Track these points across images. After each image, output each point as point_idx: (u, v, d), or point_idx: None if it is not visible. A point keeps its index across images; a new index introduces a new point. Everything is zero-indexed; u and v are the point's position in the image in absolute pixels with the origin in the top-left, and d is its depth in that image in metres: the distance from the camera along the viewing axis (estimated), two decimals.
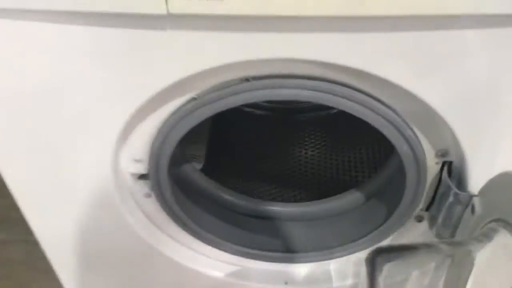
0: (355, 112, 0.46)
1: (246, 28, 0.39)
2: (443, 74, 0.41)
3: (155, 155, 0.51)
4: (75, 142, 0.50)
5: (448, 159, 0.50)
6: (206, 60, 0.41)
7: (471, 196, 0.48)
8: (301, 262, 0.63)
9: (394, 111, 0.46)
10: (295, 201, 0.70)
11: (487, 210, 0.46)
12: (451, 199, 0.50)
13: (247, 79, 0.45)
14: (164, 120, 0.48)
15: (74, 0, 0.37)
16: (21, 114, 0.47)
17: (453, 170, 0.50)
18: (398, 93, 0.43)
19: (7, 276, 0.96)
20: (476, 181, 0.49)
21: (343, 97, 0.45)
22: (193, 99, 0.46)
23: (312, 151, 0.81)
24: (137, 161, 0.53)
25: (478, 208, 0.47)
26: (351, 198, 0.64)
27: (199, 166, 0.68)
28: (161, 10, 0.37)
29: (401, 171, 0.53)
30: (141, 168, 0.53)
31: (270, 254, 0.62)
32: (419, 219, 0.56)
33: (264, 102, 0.85)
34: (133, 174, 0.54)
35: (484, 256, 0.44)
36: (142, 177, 0.55)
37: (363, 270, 0.46)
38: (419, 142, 0.48)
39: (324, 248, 0.62)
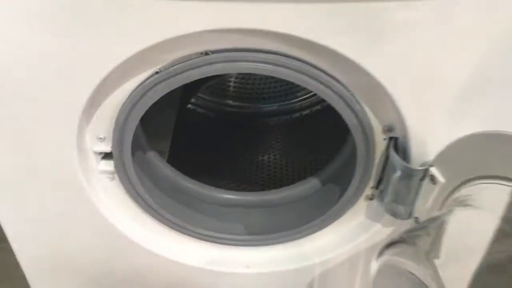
0: (309, 86, 0.50)
1: None
2: (390, 47, 0.45)
3: (119, 131, 0.53)
4: (37, 120, 0.51)
5: (394, 135, 0.54)
6: (168, 29, 0.44)
7: (428, 167, 0.52)
8: (263, 245, 0.65)
9: (345, 87, 0.50)
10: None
11: (452, 175, 0.49)
12: (399, 173, 0.54)
13: (206, 53, 0.48)
14: (127, 96, 0.51)
15: None
16: None
17: (398, 146, 0.54)
18: (348, 67, 0.47)
19: None
20: (420, 155, 0.53)
21: (297, 71, 0.48)
22: (156, 73, 0.49)
23: (275, 154, 0.84)
24: (101, 139, 0.55)
25: (439, 177, 0.50)
26: (309, 184, 0.67)
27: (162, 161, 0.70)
28: None
29: (353, 156, 0.57)
30: (105, 147, 0.55)
31: (234, 237, 0.64)
32: (370, 197, 0.60)
33: (232, 106, 0.89)
34: (97, 154, 0.56)
35: (458, 222, 0.47)
36: (106, 156, 0.57)
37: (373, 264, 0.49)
38: (367, 116, 0.52)
39: (285, 230, 0.64)
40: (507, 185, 0.42)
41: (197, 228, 0.63)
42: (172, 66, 0.48)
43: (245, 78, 0.87)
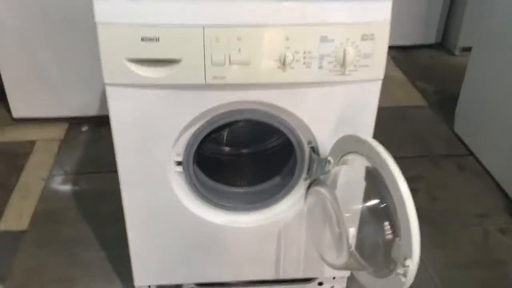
0: (277, 126, 1.14)
1: (234, 88, 1.07)
2: (307, 107, 1.11)
3: (187, 151, 1.15)
4: (151, 143, 1.13)
5: (312, 145, 1.18)
6: (216, 101, 1.08)
7: (326, 158, 1.16)
8: (252, 211, 1.27)
9: (289, 124, 1.15)
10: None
11: (335, 157, 1.13)
12: (316, 162, 1.18)
13: (229, 112, 1.12)
14: (192, 133, 1.13)
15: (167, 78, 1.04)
16: (134, 130, 1.10)
17: (315, 150, 1.19)
18: (290, 115, 1.12)
19: None
20: (324, 151, 1.17)
21: (272, 119, 1.13)
22: (206, 121, 1.12)
23: (253, 171, 1.47)
24: (178, 154, 1.16)
25: (332, 160, 1.14)
26: (274, 180, 1.30)
27: None
28: (202, 81, 1.04)
29: (295, 160, 1.21)
30: (179, 158, 1.16)
31: (237, 207, 1.26)
32: (305, 178, 1.23)
33: (225, 150, 1.51)
34: (175, 162, 1.17)
35: (344, 178, 1.10)
36: (179, 164, 1.18)
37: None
38: (301, 138, 1.17)
39: (262, 202, 1.26)
40: (358, 155, 1.06)
41: (222, 203, 1.24)
42: (213, 119, 1.12)
43: (232, 133, 1.51)
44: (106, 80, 1.04)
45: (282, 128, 1.15)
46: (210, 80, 1.03)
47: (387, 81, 2.53)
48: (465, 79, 2.14)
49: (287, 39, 1.01)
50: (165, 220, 1.24)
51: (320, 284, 1.44)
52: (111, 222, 1.67)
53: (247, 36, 1.00)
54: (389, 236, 0.99)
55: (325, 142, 1.15)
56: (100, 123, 2.19)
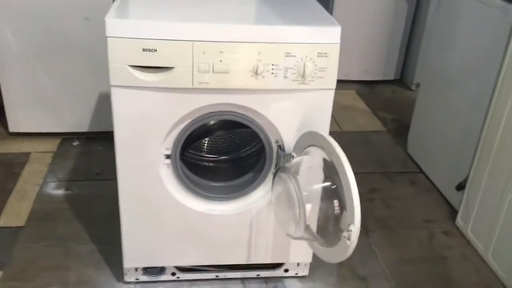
0: (251, 126, 1.39)
1: (216, 92, 1.32)
2: (276, 108, 1.37)
3: (175, 145, 1.38)
4: (149, 138, 1.36)
5: (279, 143, 1.43)
6: (200, 103, 1.33)
7: (291, 153, 1.40)
8: (229, 201, 1.49)
9: (260, 124, 1.40)
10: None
11: (298, 151, 1.37)
12: (282, 157, 1.43)
13: (211, 113, 1.36)
14: (181, 129, 1.37)
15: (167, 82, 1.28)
16: (133, 126, 1.33)
17: (282, 147, 1.43)
18: (261, 117, 1.37)
19: None
20: (289, 148, 1.41)
21: (247, 120, 1.38)
22: (192, 120, 1.36)
23: (230, 171, 1.70)
24: (167, 148, 1.39)
25: (295, 155, 1.39)
26: (247, 175, 1.54)
27: None
28: (190, 86, 1.29)
29: (264, 158, 1.45)
30: (168, 152, 1.39)
31: (217, 197, 1.48)
32: (273, 172, 1.47)
33: (206, 156, 1.74)
34: (164, 155, 1.40)
35: (304, 165, 1.35)
36: (167, 157, 1.41)
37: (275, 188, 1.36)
38: (269, 137, 1.42)
39: (237, 193, 1.49)
40: (316, 147, 1.31)
41: (203, 193, 1.47)
42: (198, 118, 1.36)
43: (213, 141, 1.75)
44: (112, 82, 1.28)
45: (254, 128, 1.40)
46: (196, 85, 1.28)
47: (352, 110, 3.10)
48: (415, 109, 2.45)
49: (259, 53, 1.27)
50: (154, 206, 1.46)
51: (286, 270, 1.65)
52: (101, 221, 1.88)
53: (227, 50, 1.26)
54: (338, 211, 1.24)
55: (290, 140, 1.40)
56: (90, 139, 2.40)
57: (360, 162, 2.37)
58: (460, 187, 1.99)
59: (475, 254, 1.84)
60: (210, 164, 1.75)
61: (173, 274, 1.61)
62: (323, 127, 1.39)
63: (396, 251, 1.85)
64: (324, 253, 1.29)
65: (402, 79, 3.39)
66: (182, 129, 1.37)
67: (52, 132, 2.43)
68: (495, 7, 1.79)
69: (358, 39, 3.15)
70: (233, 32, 1.27)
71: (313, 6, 1.52)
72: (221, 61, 1.27)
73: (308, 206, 1.25)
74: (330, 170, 1.25)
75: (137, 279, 1.60)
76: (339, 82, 1.36)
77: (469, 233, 1.91)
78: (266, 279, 1.66)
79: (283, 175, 1.33)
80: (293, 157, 1.39)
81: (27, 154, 2.30)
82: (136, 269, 1.59)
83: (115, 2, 1.40)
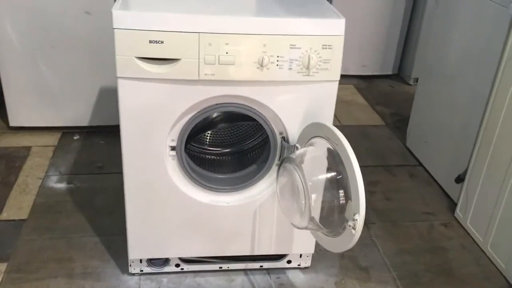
0: (255, 117, 1.40)
1: (222, 84, 1.33)
2: (279, 100, 1.38)
3: (181, 137, 1.39)
4: (155, 129, 1.37)
5: (283, 135, 1.44)
6: (206, 95, 1.34)
7: (295, 145, 1.42)
8: (233, 192, 1.51)
9: (264, 116, 1.41)
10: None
11: (302, 142, 1.39)
12: (286, 149, 1.44)
13: (216, 104, 1.38)
14: (186, 121, 1.38)
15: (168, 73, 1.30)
16: (140, 118, 1.34)
17: (286, 138, 1.45)
18: (265, 108, 1.39)
19: None
20: (293, 140, 1.43)
21: (249, 110, 1.39)
22: (198, 111, 1.37)
23: (233, 164, 1.72)
24: (173, 140, 1.40)
25: (299, 147, 1.40)
26: (251, 167, 1.56)
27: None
28: (196, 77, 1.30)
29: (268, 150, 1.47)
30: (173, 143, 1.41)
31: (221, 188, 1.50)
32: (277, 164, 1.48)
33: (208, 149, 1.76)
34: (170, 147, 1.41)
35: (309, 156, 1.36)
36: (173, 148, 1.42)
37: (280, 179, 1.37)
38: (274, 129, 1.43)
39: (241, 184, 1.50)
40: (321, 138, 1.32)
41: (208, 184, 1.48)
42: (204, 109, 1.37)
43: (215, 134, 1.76)
44: (119, 74, 1.29)
45: (259, 120, 1.41)
46: (202, 77, 1.29)
47: (351, 105, 3.11)
48: (414, 103, 2.48)
49: (264, 45, 1.29)
50: (159, 197, 1.47)
51: (289, 262, 1.67)
52: (104, 214, 1.89)
53: (233, 42, 1.27)
54: (343, 201, 1.25)
55: (294, 131, 1.42)
56: (91, 133, 2.41)
57: (359, 155, 2.35)
58: (459, 179, 2.01)
59: (474, 245, 1.87)
60: (213, 157, 1.76)
61: (177, 265, 1.62)
62: (327, 118, 1.40)
63: (397, 242, 1.88)
64: (329, 242, 1.31)
65: (400, 73, 3.41)
66: (188, 121, 1.38)
67: (53, 126, 2.43)
68: (495, 0, 1.81)
69: (356, 34, 3.16)
70: (239, 24, 1.28)
71: None
72: (227, 53, 1.28)
73: (313, 196, 1.27)
74: (335, 161, 1.27)
75: (142, 270, 1.61)
76: None
77: (468, 225, 1.94)
78: (269, 270, 1.68)
79: (288, 165, 1.35)
80: (297, 148, 1.41)
81: (28, 148, 2.30)
82: (141, 261, 1.60)
83: None
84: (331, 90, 1.38)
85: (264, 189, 1.51)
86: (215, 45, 1.27)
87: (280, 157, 1.48)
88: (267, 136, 1.45)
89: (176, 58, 1.27)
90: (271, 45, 1.29)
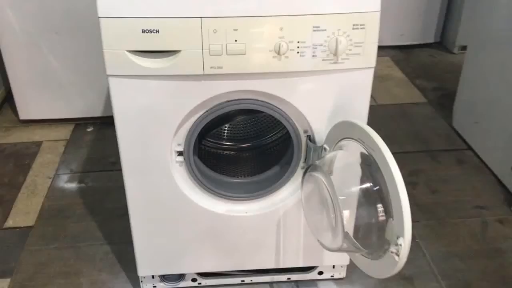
0: (272, 114, 1.18)
1: (232, 77, 1.11)
2: (305, 95, 1.15)
3: (188, 141, 1.19)
4: (157, 134, 1.16)
5: (308, 134, 1.22)
6: (214, 91, 1.12)
7: (322, 146, 1.19)
8: (252, 200, 1.30)
9: (285, 113, 1.19)
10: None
11: (331, 144, 1.16)
12: (312, 150, 1.22)
13: (227, 101, 1.16)
14: (192, 123, 1.17)
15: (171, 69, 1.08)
16: (136, 121, 1.14)
17: (311, 138, 1.22)
18: (286, 104, 1.16)
19: None
20: (320, 139, 1.20)
21: (266, 107, 1.17)
22: (206, 111, 1.16)
23: (253, 163, 1.51)
24: (179, 144, 1.20)
25: (327, 148, 1.18)
26: (272, 170, 1.34)
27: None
28: (200, 72, 1.08)
29: (291, 150, 1.24)
30: (180, 148, 1.20)
31: (239, 196, 1.29)
32: (302, 167, 1.26)
33: (225, 145, 1.55)
34: (176, 152, 1.21)
35: (339, 163, 1.14)
36: (180, 154, 1.22)
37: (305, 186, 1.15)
38: (297, 127, 1.20)
39: (261, 191, 1.29)
40: (353, 140, 1.09)
41: (222, 192, 1.28)
42: (213, 108, 1.16)
43: (233, 128, 1.55)
44: (109, 71, 1.08)
45: (278, 117, 1.19)
46: (208, 70, 1.07)
47: (386, 80, 2.70)
48: (461, 76, 2.18)
49: (281, 29, 1.05)
50: (167, 210, 1.28)
51: (320, 273, 1.47)
52: (116, 217, 1.72)
53: (243, 27, 1.04)
54: (382, 218, 1.02)
55: (321, 130, 1.19)
56: (105, 124, 2.24)
57: (398, 139, 2.14)
58: None
59: None
60: (230, 152, 1.55)
61: (194, 280, 1.44)
62: (361, 114, 1.17)
63: (445, 244, 1.64)
64: (368, 266, 1.09)
65: (442, 41, 3.08)
66: (195, 122, 1.17)
67: (65, 118, 2.27)
68: None
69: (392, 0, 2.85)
70: (249, 4, 1.04)
71: None
72: (236, 40, 1.05)
73: (346, 213, 1.04)
74: (370, 168, 1.03)
75: (155, 286, 1.44)
76: None
77: None
78: (298, 283, 1.48)
79: (314, 175, 1.12)
80: (325, 149, 1.18)
81: (38, 144, 2.15)
82: (153, 276, 1.42)
83: None
84: (365, 80, 1.14)
85: (287, 196, 1.30)
86: (221, 32, 1.04)
87: (305, 159, 1.25)
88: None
89: (175, 50, 1.05)
90: (289, 29, 1.05)
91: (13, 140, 2.18)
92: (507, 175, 1.85)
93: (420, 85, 2.65)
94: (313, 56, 1.08)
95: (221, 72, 1.08)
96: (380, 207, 1.03)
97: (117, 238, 1.63)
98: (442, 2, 2.95)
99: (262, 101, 1.17)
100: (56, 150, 2.11)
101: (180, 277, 1.43)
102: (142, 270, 1.38)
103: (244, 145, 1.57)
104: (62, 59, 2.12)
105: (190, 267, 1.40)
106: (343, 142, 1.12)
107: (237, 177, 1.38)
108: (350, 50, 1.08)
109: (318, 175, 1.11)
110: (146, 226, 1.30)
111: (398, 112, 2.39)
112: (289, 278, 1.46)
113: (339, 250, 1.09)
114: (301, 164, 1.26)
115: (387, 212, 1.01)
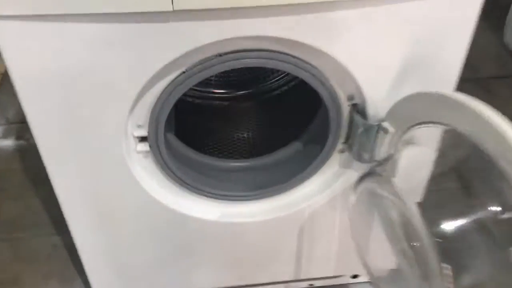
0: (294, 72, 0.69)
1: (218, 17, 0.60)
2: (350, 41, 0.65)
3: (154, 120, 0.70)
4: (99, 113, 0.68)
5: (355, 101, 0.74)
6: (194, 41, 0.62)
7: (380, 124, 0.72)
8: (262, 198, 0.84)
9: (318, 69, 0.69)
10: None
11: (399, 125, 0.69)
12: (361, 129, 0.74)
13: (219, 55, 0.66)
14: (161, 91, 0.68)
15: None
16: (56, 90, 0.65)
17: (359, 109, 0.74)
18: (320, 56, 0.66)
19: None
20: (374, 113, 0.73)
21: (285, 62, 0.67)
22: (183, 72, 0.67)
23: (256, 129, 1.03)
24: (139, 126, 0.72)
25: (390, 128, 0.71)
26: (291, 147, 0.87)
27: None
28: (168, 8, 0.57)
29: (325, 121, 0.77)
30: (143, 132, 0.72)
31: (238, 194, 0.83)
32: (342, 151, 0.80)
33: (215, 93, 1.06)
34: (136, 137, 0.73)
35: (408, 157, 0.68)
36: (142, 139, 0.74)
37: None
38: (335, 90, 0.72)
39: (277, 185, 0.83)
40: (435, 126, 0.63)
41: (212, 191, 0.81)
42: (195, 66, 0.66)
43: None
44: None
45: (305, 77, 0.70)
46: (179, 5, 0.56)
47: None
48: None
49: None
50: (129, 219, 0.82)
51: (355, 276, 1.06)
52: None
53: None
54: None
55: (378, 97, 0.71)
56: None
57: None
58: None
59: None
60: (221, 105, 1.07)
61: None
62: (448, 79, 0.68)
63: None
64: None
65: None
66: (164, 92, 0.68)
67: None
68: None
69: None
70: None
71: None
72: None
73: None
74: (485, 180, 0.58)
75: None
76: None
77: None
78: None
79: (378, 192, 0.66)
80: (386, 131, 0.70)
81: None
82: None
83: None
84: (465, 13, 0.64)
85: (316, 191, 0.84)
86: None
87: (347, 138, 0.78)
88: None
89: None
90: None
91: None
92: None
93: None
94: None
95: (201, 7, 0.57)
96: None
97: None
98: None
99: (276, 52, 0.66)
100: None
101: None
102: None
103: (240, 92, 1.08)
104: None
105: (173, 286, 0.98)
106: (419, 130, 0.64)
107: (236, 158, 0.91)
108: None
109: (375, 186, 0.65)
110: (98, 243, 0.86)
111: None
112: (311, 285, 1.06)
113: None
114: (340, 145, 0.79)
115: None
